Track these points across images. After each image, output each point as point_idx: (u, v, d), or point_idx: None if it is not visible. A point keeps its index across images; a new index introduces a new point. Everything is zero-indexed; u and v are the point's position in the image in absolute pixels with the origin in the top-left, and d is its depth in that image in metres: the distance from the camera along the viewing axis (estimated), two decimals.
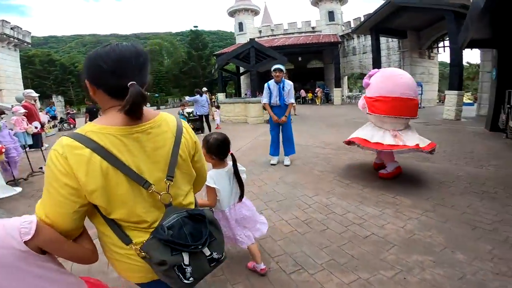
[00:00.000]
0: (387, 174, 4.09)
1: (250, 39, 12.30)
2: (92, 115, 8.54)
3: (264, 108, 11.09)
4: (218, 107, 12.07)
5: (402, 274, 2.03)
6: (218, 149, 1.90)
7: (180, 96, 37.48)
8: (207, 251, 0.96)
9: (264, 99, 5.01)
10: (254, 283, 2.01)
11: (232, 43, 35.05)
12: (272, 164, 5.04)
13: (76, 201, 0.86)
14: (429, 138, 4.24)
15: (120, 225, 0.93)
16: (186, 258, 0.89)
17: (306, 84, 25.34)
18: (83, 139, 0.85)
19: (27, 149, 5.78)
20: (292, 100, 4.87)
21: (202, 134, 9.13)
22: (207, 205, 1.87)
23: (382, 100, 3.93)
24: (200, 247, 0.93)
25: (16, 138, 5.33)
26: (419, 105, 4.78)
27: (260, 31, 26.48)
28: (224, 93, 22.13)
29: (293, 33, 24.96)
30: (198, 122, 9.75)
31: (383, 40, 16.06)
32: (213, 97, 26.20)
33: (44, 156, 5.83)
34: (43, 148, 7.08)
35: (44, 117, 10.51)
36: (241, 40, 24.48)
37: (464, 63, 21.98)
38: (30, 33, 19.53)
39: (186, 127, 1.11)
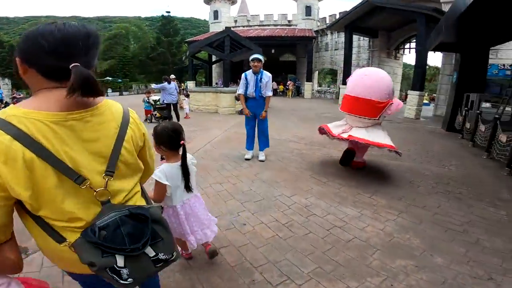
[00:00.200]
0: (360, 163, 4.52)
1: (225, 27, 11.81)
2: None
3: (237, 99, 10.84)
4: (187, 96, 11.53)
5: (388, 280, 2.00)
6: (169, 140, 1.72)
7: (146, 83, 35.51)
8: (151, 252, 0.89)
9: (240, 89, 4.79)
10: None
11: (205, 31, 33.88)
12: (246, 159, 4.86)
13: None
14: (392, 135, 4.46)
15: (50, 224, 0.84)
16: (119, 261, 0.81)
17: (278, 77, 25.44)
18: (3, 124, 0.75)
19: None
20: (270, 93, 4.68)
21: None
22: (153, 199, 1.69)
23: (344, 98, 4.40)
24: (141, 248, 0.85)
25: None
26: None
27: (235, 21, 25.88)
28: (194, 81, 21.37)
29: (268, 25, 24.75)
30: (165, 111, 9.21)
31: (354, 38, 16.47)
32: (182, 84, 25.29)
33: None
34: None
35: None
36: (215, 28, 23.72)
37: None
38: None
39: (134, 117, 1.04)
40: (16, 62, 0.82)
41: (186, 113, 10.37)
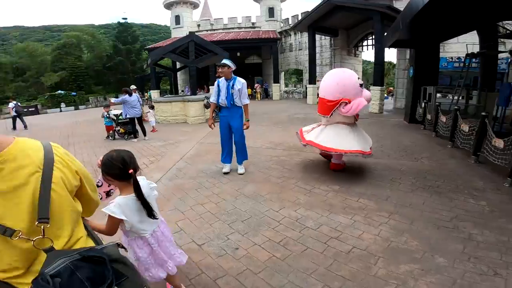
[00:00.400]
0: (339, 165, 4.53)
1: (189, 32, 11.40)
2: None
3: (206, 107, 10.49)
4: (152, 107, 10.89)
5: None
6: (116, 171, 1.53)
7: (105, 94, 33.39)
8: None
9: (212, 97, 4.55)
10: None
11: (167, 37, 32.86)
12: (224, 173, 4.60)
13: None
14: (365, 131, 4.66)
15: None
16: None
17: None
18: None
19: None
20: (246, 101, 4.43)
21: (133, 140, 8.02)
22: (103, 232, 1.54)
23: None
24: None
25: None
26: None
27: (198, 25, 25.35)
28: (158, 90, 20.50)
29: (233, 28, 24.61)
30: (129, 126, 8.54)
31: (317, 37, 16.86)
32: (146, 94, 24.16)
33: None
34: None
35: None
36: (178, 34, 23.08)
37: None
38: None
39: (60, 154, 0.94)
40: None
41: (153, 126, 9.75)
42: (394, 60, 22.11)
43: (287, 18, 22.48)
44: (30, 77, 36.87)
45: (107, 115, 8.83)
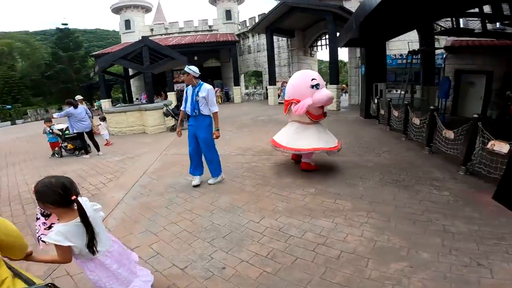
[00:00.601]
0: (310, 166, 4.65)
1: (142, 37, 10.69)
2: None
3: (165, 115, 9.98)
4: (103, 119, 9.95)
5: None
6: (56, 198, 1.46)
7: (46, 106, 30.04)
8: None
9: (182, 105, 4.31)
10: None
11: (115, 43, 30.66)
12: (194, 186, 4.30)
13: None
14: (329, 130, 4.83)
15: None
16: None
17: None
18: None
19: None
20: (215, 109, 4.12)
21: (86, 157, 7.19)
22: (58, 262, 1.56)
23: None
24: None
25: None
26: None
27: (152, 30, 24.09)
28: (110, 99, 19.06)
29: (189, 32, 23.84)
30: (78, 141, 7.64)
31: (274, 39, 17.12)
32: (95, 104, 22.30)
33: None
34: None
35: None
36: (128, 39, 21.68)
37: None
38: None
39: None
40: None
41: (106, 139, 8.89)
42: (345, 59, 23.41)
43: (245, 21, 22.52)
44: None
45: (50, 130, 7.82)
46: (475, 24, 7.64)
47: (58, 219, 1.57)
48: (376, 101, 9.15)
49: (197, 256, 2.53)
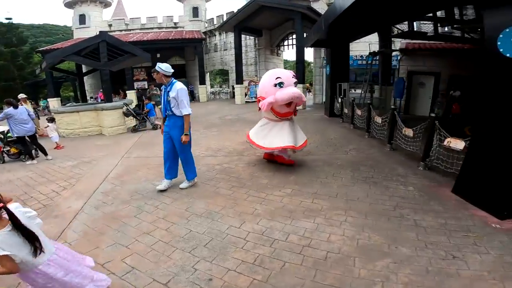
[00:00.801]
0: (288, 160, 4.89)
1: (100, 31, 9.77)
2: None
3: (126, 115, 9.30)
4: (51, 120, 8.89)
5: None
6: None
7: None
8: None
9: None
10: None
11: (66, 38, 28.02)
12: (159, 191, 4.01)
13: None
14: None
15: None
16: None
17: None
18: None
19: None
20: (185, 111, 3.85)
21: (33, 162, 6.36)
22: (5, 273, 1.52)
23: None
24: None
25: None
26: None
27: (110, 25, 22.27)
28: (59, 98, 17.34)
29: (152, 28, 22.54)
30: (20, 144, 6.70)
31: (242, 37, 16.95)
32: (40, 104, 20.10)
33: None
34: None
35: None
36: (82, 35, 19.82)
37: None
38: None
39: None
40: None
41: (56, 142, 7.99)
42: (309, 59, 24.12)
43: (212, 18, 21.99)
44: None
45: None
46: (427, 27, 8.34)
47: None
48: (340, 100, 9.54)
49: (179, 268, 2.34)
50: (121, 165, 5.54)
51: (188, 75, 23.96)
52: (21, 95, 9.66)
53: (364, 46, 11.84)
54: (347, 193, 3.70)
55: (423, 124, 4.85)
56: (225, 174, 4.64)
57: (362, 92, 10.24)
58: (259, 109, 4.73)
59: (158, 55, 19.37)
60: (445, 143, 4.20)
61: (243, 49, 18.66)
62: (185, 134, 3.85)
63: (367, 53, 10.73)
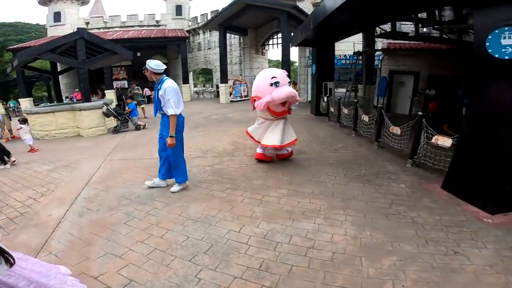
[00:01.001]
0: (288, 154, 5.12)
1: (78, 28, 9.24)
2: None
3: (106, 115, 8.88)
4: (24, 121, 8.31)
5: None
6: None
7: None
8: None
9: None
10: None
11: (40, 37, 26.58)
12: (149, 187, 3.97)
13: None
14: None
15: None
16: None
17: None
18: None
19: None
20: (170, 111, 3.54)
21: (6, 167, 5.84)
22: None
23: None
24: None
25: None
26: None
27: (87, 23, 21.17)
28: (31, 99, 16.38)
29: (133, 26, 21.64)
30: None
31: (227, 36, 16.74)
32: (9, 104, 18.85)
33: None
34: None
35: None
36: (57, 33, 18.75)
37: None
38: None
39: None
40: None
41: (29, 145, 7.48)
42: (294, 58, 24.23)
43: (196, 17, 21.53)
44: None
45: None
46: (407, 28, 8.60)
47: None
48: (325, 99, 9.64)
49: (181, 278, 2.21)
50: (104, 168, 5.24)
51: (170, 74, 23.34)
52: None
53: (347, 46, 12.05)
54: (343, 192, 3.70)
55: (411, 123, 4.97)
56: (217, 176, 4.51)
57: (347, 91, 10.42)
58: (254, 108, 4.73)
59: (139, 54, 18.76)
60: (432, 140, 4.32)
61: (228, 48, 18.48)
62: (170, 136, 3.60)
63: (351, 53, 10.92)
